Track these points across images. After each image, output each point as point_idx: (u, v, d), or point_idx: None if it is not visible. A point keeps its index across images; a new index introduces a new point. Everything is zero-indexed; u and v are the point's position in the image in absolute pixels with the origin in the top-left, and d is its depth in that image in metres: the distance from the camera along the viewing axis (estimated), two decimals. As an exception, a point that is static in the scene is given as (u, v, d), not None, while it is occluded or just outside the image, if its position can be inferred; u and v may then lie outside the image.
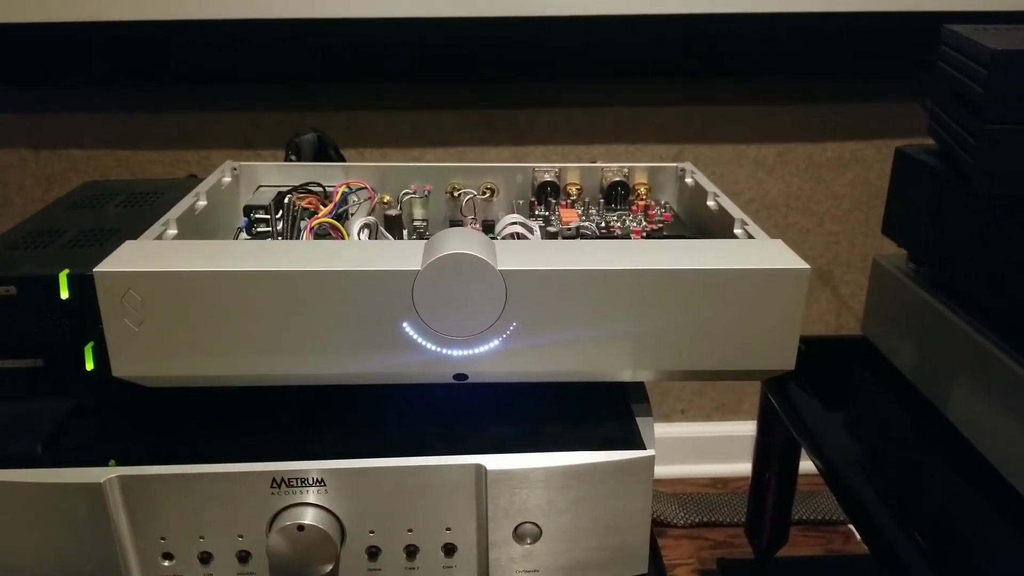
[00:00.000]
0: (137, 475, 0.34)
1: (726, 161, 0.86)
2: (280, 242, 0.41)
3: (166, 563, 0.36)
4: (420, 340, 0.35)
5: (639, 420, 0.37)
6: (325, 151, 0.64)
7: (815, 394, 0.57)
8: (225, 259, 0.34)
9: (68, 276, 0.35)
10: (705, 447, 0.95)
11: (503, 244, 0.36)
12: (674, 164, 0.53)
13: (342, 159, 0.65)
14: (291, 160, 0.60)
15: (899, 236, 0.57)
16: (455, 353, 0.35)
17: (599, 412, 0.38)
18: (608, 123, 0.84)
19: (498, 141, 0.84)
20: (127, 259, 0.34)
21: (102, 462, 0.34)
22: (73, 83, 0.79)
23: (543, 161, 0.85)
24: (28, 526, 0.34)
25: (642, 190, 0.52)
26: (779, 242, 0.37)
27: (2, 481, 0.34)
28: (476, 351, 0.35)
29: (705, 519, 0.88)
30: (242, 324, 0.34)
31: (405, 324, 0.34)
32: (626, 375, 0.36)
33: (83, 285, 0.34)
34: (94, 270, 0.33)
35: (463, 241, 0.34)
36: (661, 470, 0.94)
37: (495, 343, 0.35)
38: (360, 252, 0.36)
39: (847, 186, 0.87)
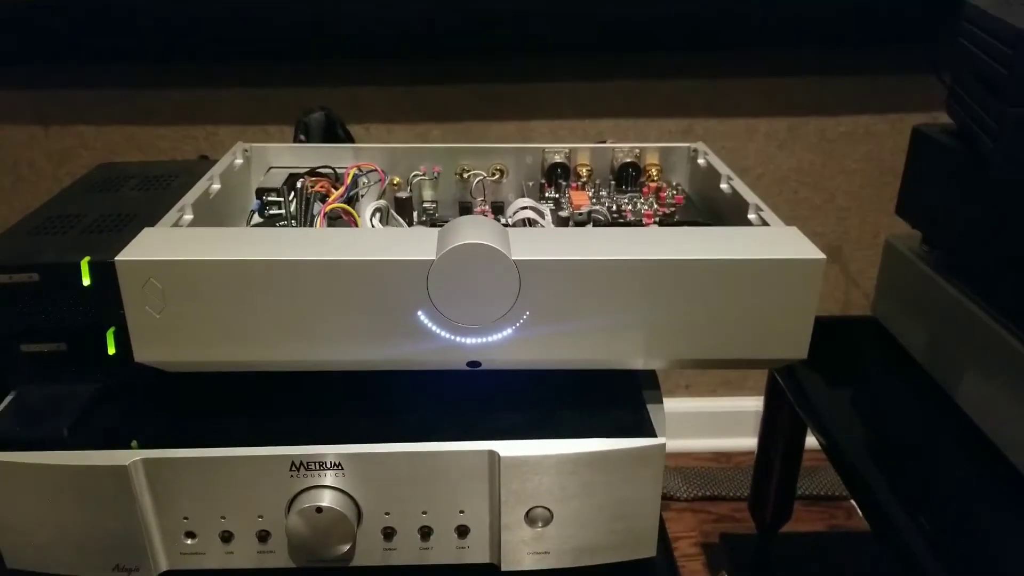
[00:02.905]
0: (160, 458, 0.35)
1: (736, 135, 0.85)
2: (296, 230, 0.41)
3: (188, 541, 0.37)
4: (435, 328, 0.35)
5: (650, 407, 0.38)
6: (333, 129, 0.64)
7: (822, 375, 0.58)
8: (243, 248, 0.34)
9: (89, 263, 0.36)
10: (709, 422, 0.96)
11: (516, 232, 0.36)
12: (686, 144, 0.53)
13: (350, 137, 0.65)
14: (300, 139, 0.60)
15: (914, 218, 0.58)
16: (469, 341, 0.36)
17: (611, 399, 0.38)
18: (615, 97, 0.83)
19: (503, 116, 0.84)
20: (147, 247, 0.34)
21: (126, 445, 0.35)
22: (80, 61, 0.79)
23: (550, 136, 0.85)
24: (56, 506, 0.36)
25: (653, 171, 0.52)
26: (794, 230, 0.38)
27: (30, 463, 0.35)
28: (489, 339, 0.36)
29: (708, 493, 0.90)
30: (261, 311, 0.34)
31: (420, 312, 0.35)
32: (638, 364, 0.37)
33: (104, 272, 0.35)
34: (116, 259, 0.33)
35: (477, 230, 0.35)
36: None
37: (508, 331, 0.35)
38: (376, 241, 0.36)
39: (859, 161, 0.87)
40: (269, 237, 0.36)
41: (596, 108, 0.84)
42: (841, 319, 0.68)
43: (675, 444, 0.97)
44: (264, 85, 0.81)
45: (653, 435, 0.36)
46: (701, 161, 0.51)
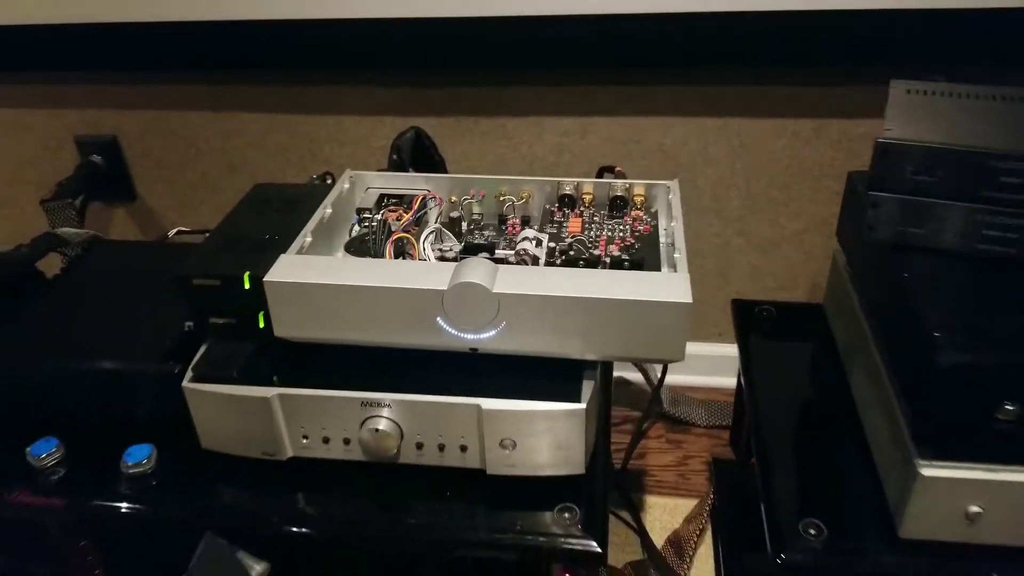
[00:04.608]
0: (287, 394, 0.60)
1: (764, 132, 1.00)
2: (369, 260, 0.64)
3: (304, 441, 0.62)
4: (448, 328, 0.58)
5: (584, 383, 0.59)
6: (421, 143, 0.86)
7: (764, 348, 0.77)
8: (334, 274, 0.58)
9: (248, 276, 0.60)
10: (734, 364, 1.14)
11: (502, 270, 0.57)
12: (665, 183, 0.72)
13: (438, 154, 0.87)
14: (393, 159, 0.82)
15: (842, 239, 0.74)
16: (469, 336, 0.58)
17: (561, 375, 0.60)
18: (664, 98, 0.99)
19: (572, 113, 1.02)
20: (282, 271, 0.58)
21: (269, 384, 0.60)
22: (239, 68, 1.03)
23: (586, 133, 1.02)
24: (229, 416, 0.61)
25: (638, 201, 0.71)
26: (681, 275, 0.57)
27: (215, 392, 0.60)
28: (482, 336, 0.58)
29: (724, 423, 1.09)
30: (345, 311, 0.58)
31: (439, 319, 0.57)
32: (575, 355, 0.58)
33: (257, 282, 0.59)
34: (264, 279, 0.57)
35: (474, 271, 0.56)
36: (695, 380, 1.15)
37: (493, 332, 0.57)
38: (414, 273, 0.58)
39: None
40: (351, 266, 0.59)
41: (647, 108, 1.00)
42: (800, 305, 0.84)
43: (704, 380, 1.16)
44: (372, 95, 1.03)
45: (579, 401, 0.57)
46: (671, 197, 0.70)
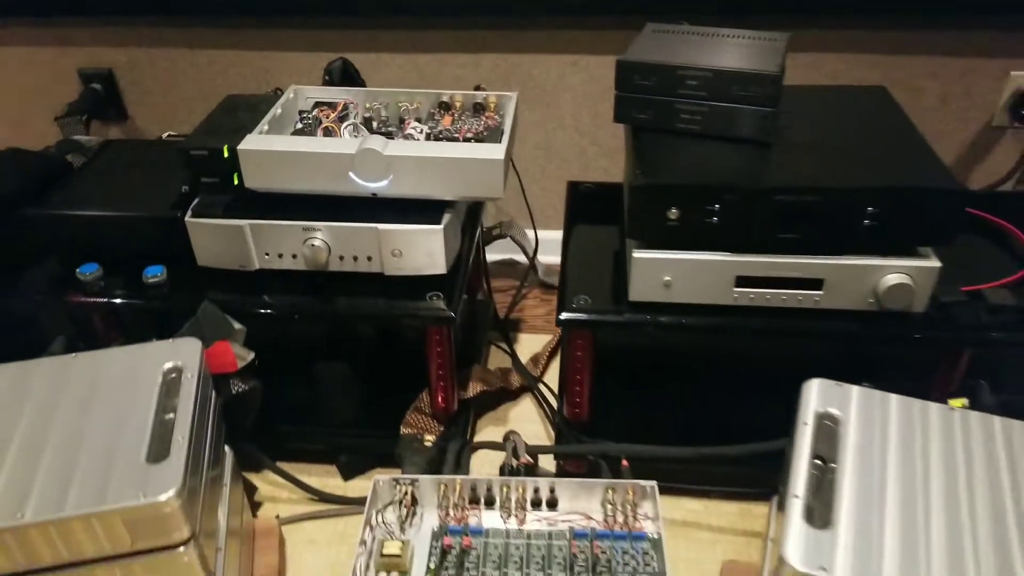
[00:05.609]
0: (255, 224, 0.93)
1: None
2: (306, 137, 0.97)
3: (266, 256, 0.96)
4: (357, 179, 0.91)
5: (445, 215, 0.93)
6: (347, 70, 1.19)
7: (585, 214, 1.12)
8: (284, 144, 0.91)
9: (227, 148, 0.93)
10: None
11: (393, 142, 0.91)
12: (509, 94, 1.06)
13: (360, 78, 1.20)
14: (326, 79, 1.15)
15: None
16: (371, 185, 0.92)
17: (431, 210, 0.94)
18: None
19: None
20: (250, 143, 0.91)
21: (243, 217, 0.94)
22: (211, 15, 1.34)
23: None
24: (214, 243, 0.95)
25: (492, 106, 1.06)
26: (499, 146, 0.91)
27: (205, 223, 0.94)
28: (379, 184, 0.92)
29: (584, 289, 1.45)
30: (291, 169, 0.91)
31: (351, 173, 0.91)
32: (436, 195, 0.92)
33: (233, 152, 0.92)
34: (238, 148, 0.91)
35: (373, 141, 0.90)
36: (566, 260, 1.50)
37: (385, 183, 0.91)
38: (335, 144, 0.92)
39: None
40: (294, 140, 0.93)
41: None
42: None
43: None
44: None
45: (439, 224, 0.92)
46: (510, 105, 1.04)
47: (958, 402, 0.84)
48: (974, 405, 0.83)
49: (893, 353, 1.08)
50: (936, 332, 0.90)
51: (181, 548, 0.70)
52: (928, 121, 1.32)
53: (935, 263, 0.86)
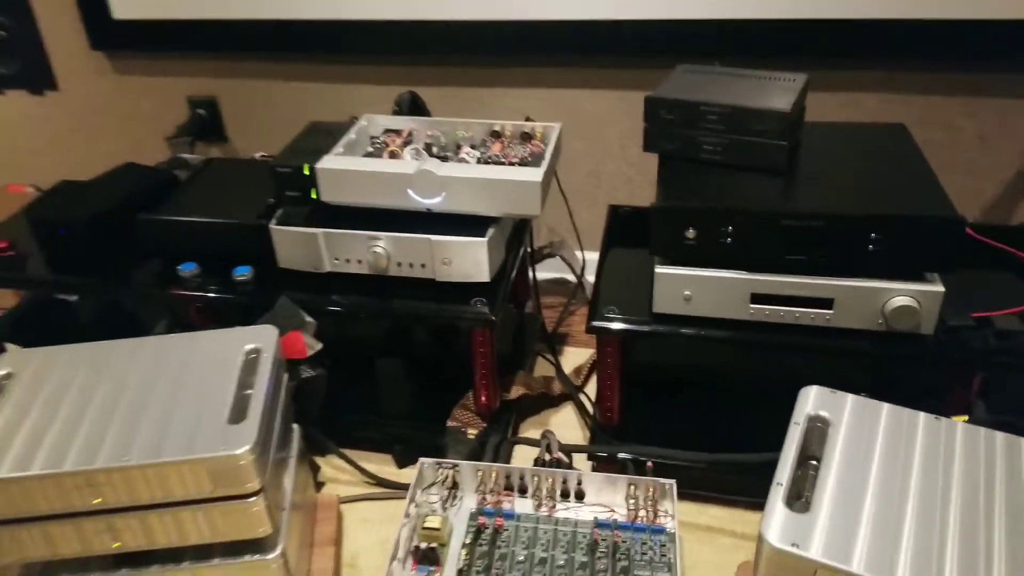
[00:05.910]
0: (328, 232, 1.08)
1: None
2: (373, 158, 1.12)
3: (336, 261, 1.10)
4: (414, 196, 1.05)
5: (489, 229, 1.06)
6: (415, 101, 1.34)
7: (622, 236, 1.23)
8: (355, 164, 1.06)
9: (309, 167, 1.07)
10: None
11: (446, 165, 1.05)
12: (554, 124, 1.18)
13: (426, 109, 1.34)
14: (395, 110, 1.30)
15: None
16: (426, 201, 1.05)
17: (478, 225, 1.06)
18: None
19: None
20: (326, 163, 1.06)
21: (316, 226, 1.08)
22: (302, 53, 1.51)
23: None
24: (293, 248, 1.10)
25: (538, 135, 1.18)
26: (538, 169, 1.03)
27: (287, 231, 1.09)
28: (434, 201, 1.05)
29: (629, 308, 1.55)
30: (360, 185, 1.06)
31: (409, 190, 1.05)
32: (483, 212, 1.05)
33: (312, 170, 1.07)
34: (316, 167, 1.06)
35: (428, 163, 1.04)
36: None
37: (439, 199, 1.05)
38: (396, 165, 1.06)
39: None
40: (364, 160, 1.07)
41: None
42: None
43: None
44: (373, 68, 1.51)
45: (483, 236, 1.04)
46: (554, 134, 1.16)
47: (960, 419, 0.90)
48: (972, 422, 0.89)
49: (905, 373, 1.14)
50: (941, 353, 0.97)
51: (252, 498, 0.84)
52: (967, 160, 1.39)
53: (939, 288, 0.94)
